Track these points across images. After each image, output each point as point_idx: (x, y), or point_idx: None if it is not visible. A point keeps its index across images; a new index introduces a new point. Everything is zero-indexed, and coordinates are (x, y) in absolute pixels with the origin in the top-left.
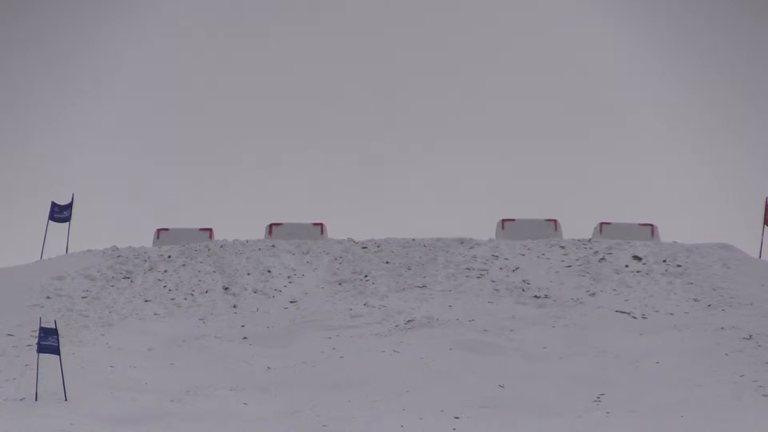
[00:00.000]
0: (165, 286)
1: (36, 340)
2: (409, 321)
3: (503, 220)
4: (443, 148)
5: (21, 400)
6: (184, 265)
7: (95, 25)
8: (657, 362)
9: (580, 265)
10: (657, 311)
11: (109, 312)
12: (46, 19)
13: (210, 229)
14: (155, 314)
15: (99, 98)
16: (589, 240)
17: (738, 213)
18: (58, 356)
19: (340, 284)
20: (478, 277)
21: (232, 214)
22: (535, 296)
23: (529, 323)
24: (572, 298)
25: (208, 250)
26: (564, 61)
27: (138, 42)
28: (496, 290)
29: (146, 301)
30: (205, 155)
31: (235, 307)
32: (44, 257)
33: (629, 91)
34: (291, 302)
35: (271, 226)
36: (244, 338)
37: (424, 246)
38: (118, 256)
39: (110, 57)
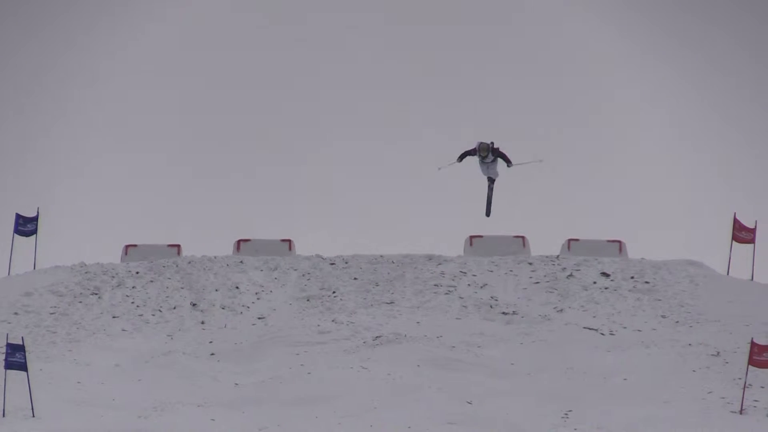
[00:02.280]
0: (133, 302)
1: (3, 357)
2: (377, 337)
3: (471, 237)
4: (411, 165)
5: None
6: (152, 281)
7: (52, 57)
8: (625, 379)
9: (548, 281)
10: (625, 328)
11: (77, 328)
12: None
13: (178, 245)
14: (123, 330)
15: (68, 108)
16: (557, 256)
17: (706, 230)
18: (25, 372)
19: (308, 300)
20: (446, 294)
21: (200, 230)
22: (503, 313)
23: (497, 340)
24: (540, 315)
25: (176, 266)
26: (532, 77)
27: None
28: (464, 306)
29: (114, 317)
30: (173, 170)
31: (203, 323)
32: (12, 272)
33: (597, 107)
34: (259, 318)
35: (239, 242)
36: (212, 354)
37: (392, 262)
38: (86, 272)
39: (80, 64)
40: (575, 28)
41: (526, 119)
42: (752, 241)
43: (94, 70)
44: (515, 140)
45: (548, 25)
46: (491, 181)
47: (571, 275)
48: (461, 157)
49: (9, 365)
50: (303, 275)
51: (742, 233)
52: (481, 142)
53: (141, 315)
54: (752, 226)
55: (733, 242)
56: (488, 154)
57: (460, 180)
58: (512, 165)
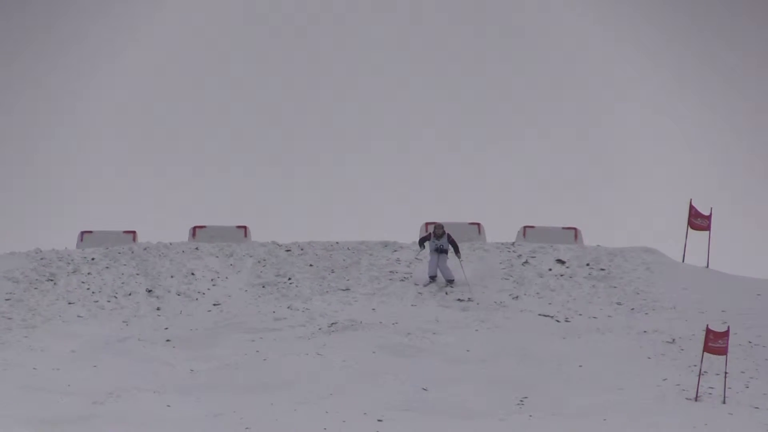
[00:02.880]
0: (88, 289)
1: None
2: (332, 324)
3: (427, 224)
4: (366, 151)
5: None
6: (107, 267)
7: None
8: (580, 366)
9: (503, 268)
10: (580, 315)
11: (33, 314)
12: None
13: (134, 232)
14: (79, 316)
15: (23, 92)
16: (513, 243)
17: (662, 217)
18: None
19: (263, 287)
20: (402, 281)
21: (156, 216)
22: (459, 299)
23: (452, 326)
24: (495, 302)
25: (132, 252)
26: (492, 65)
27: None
28: (420, 293)
29: (70, 303)
30: (128, 157)
31: (158, 309)
32: None
33: (552, 94)
34: (214, 305)
35: (194, 228)
36: (168, 341)
37: (348, 249)
38: (42, 258)
39: (39, 53)
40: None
41: (484, 104)
42: (708, 228)
43: (46, 53)
44: (475, 126)
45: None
46: (449, 282)
47: (526, 262)
48: (421, 243)
49: None
50: (258, 262)
51: (698, 220)
52: (436, 225)
53: (97, 301)
54: (708, 213)
55: (689, 229)
56: (443, 234)
57: (415, 166)
58: (460, 255)
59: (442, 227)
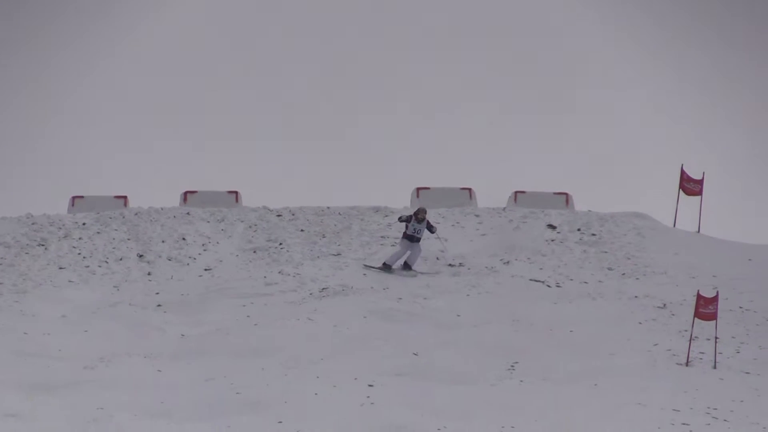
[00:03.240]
0: (80, 254)
1: None
2: (323, 289)
3: (418, 189)
4: (358, 116)
5: None
6: (98, 232)
7: None
8: (571, 331)
9: (494, 233)
10: (571, 280)
11: (24, 279)
12: None
13: (125, 197)
14: (69, 281)
15: (13, 58)
16: (504, 208)
17: (653, 181)
18: None
19: (254, 252)
20: (393, 246)
21: (147, 181)
22: (450, 265)
23: (443, 291)
24: (487, 267)
25: (123, 217)
26: (478, 24)
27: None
28: None
29: (61, 268)
30: (120, 122)
31: (149, 274)
32: None
33: (542, 55)
34: (205, 270)
35: (186, 193)
36: (159, 306)
37: (339, 214)
38: (33, 224)
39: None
40: None
41: (474, 68)
42: (699, 192)
43: (39, 18)
44: (467, 89)
45: None
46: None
47: (517, 227)
48: (405, 220)
49: None
50: (250, 227)
51: (690, 185)
52: (419, 209)
53: (87, 266)
54: (700, 178)
55: (681, 194)
56: (424, 218)
57: (407, 132)
58: (435, 232)
59: (425, 212)
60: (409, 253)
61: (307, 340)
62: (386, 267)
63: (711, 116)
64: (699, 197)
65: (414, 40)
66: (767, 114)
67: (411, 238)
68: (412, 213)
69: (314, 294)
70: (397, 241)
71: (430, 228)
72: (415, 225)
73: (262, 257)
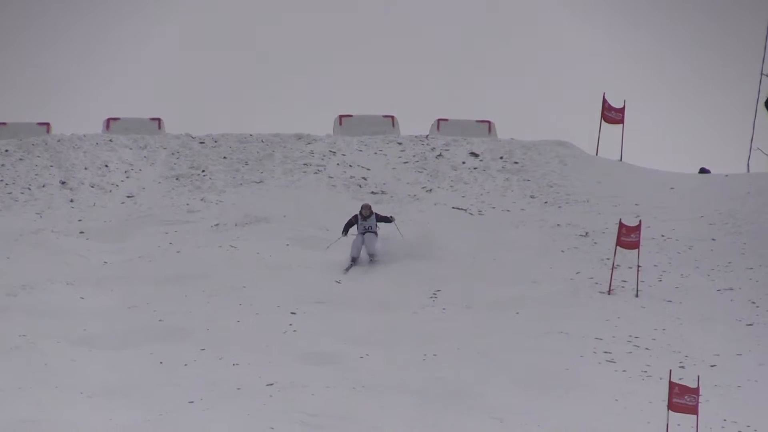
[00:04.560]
0: (2, 180)
1: None
2: (246, 216)
3: (341, 116)
4: (281, 43)
5: None
6: (21, 159)
7: None
8: (494, 259)
9: (417, 161)
10: (494, 208)
11: None
12: None
13: (47, 123)
14: None
15: None
16: (427, 136)
17: (575, 109)
18: None
19: (177, 179)
20: (316, 173)
21: (70, 108)
22: (372, 192)
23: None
24: (409, 195)
25: (46, 144)
26: None
27: None
28: (333, 186)
29: None
30: (43, 47)
31: (72, 201)
32: None
33: None
34: (128, 197)
35: (108, 120)
36: (81, 233)
37: (262, 141)
38: None
39: None
40: None
41: (392, 3)
42: (621, 121)
43: None
44: (391, 18)
45: None
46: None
47: (440, 155)
48: (345, 229)
49: None
50: (172, 154)
51: (612, 113)
52: (363, 206)
53: (10, 193)
54: (621, 106)
55: (602, 122)
56: (370, 214)
57: (330, 58)
58: (393, 220)
59: (369, 207)
60: (363, 241)
61: (230, 267)
62: (354, 261)
63: (633, 43)
64: (621, 125)
65: None
66: (688, 40)
67: (363, 234)
68: (352, 216)
69: (237, 221)
70: (321, 168)
71: (385, 219)
72: (363, 222)
73: (184, 184)
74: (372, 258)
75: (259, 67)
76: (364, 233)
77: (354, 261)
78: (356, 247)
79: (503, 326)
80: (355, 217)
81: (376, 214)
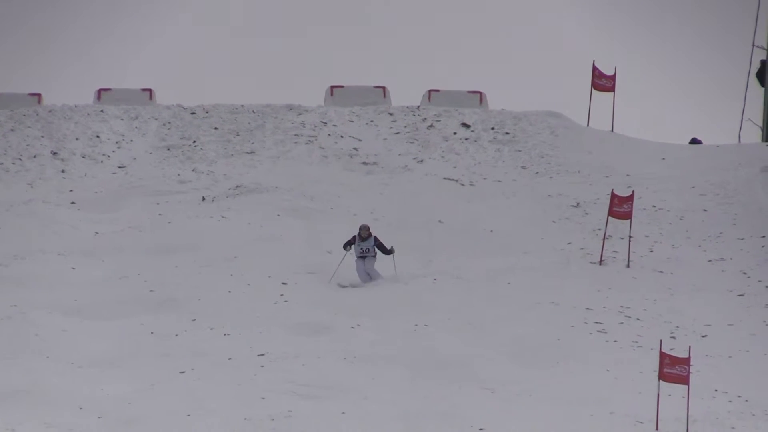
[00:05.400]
0: None
1: None
2: (237, 187)
3: (332, 87)
4: (271, 13)
5: None
6: (12, 129)
7: None
8: (485, 229)
9: (408, 132)
10: (485, 178)
11: None
12: None
13: (39, 94)
14: None
15: None
16: (418, 107)
17: (566, 80)
18: None
19: (168, 150)
20: (307, 144)
21: (62, 78)
22: (364, 163)
23: (357, 190)
24: (400, 165)
25: (37, 114)
26: None
27: None
28: (325, 157)
29: None
30: (31, 18)
31: (63, 172)
32: None
33: None
34: (119, 167)
35: (99, 91)
36: (72, 203)
37: (253, 112)
38: None
39: None
40: None
41: None
42: (612, 89)
43: None
44: None
45: None
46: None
47: (431, 126)
48: (346, 247)
49: None
50: (164, 125)
51: (602, 81)
52: (362, 227)
53: (1, 164)
54: (612, 73)
55: (593, 91)
56: (368, 236)
57: (321, 29)
58: (393, 252)
59: (368, 229)
60: (365, 266)
61: (221, 237)
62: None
63: (625, 13)
64: (611, 93)
65: None
66: (680, 10)
67: (363, 258)
68: (352, 237)
69: (228, 192)
70: (312, 138)
71: (383, 248)
72: (362, 244)
73: (176, 155)
74: (371, 277)
75: (250, 38)
76: (362, 257)
77: (364, 281)
78: (361, 275)
79: (495, 297)
80: (354, 237)
81: (375, 238)
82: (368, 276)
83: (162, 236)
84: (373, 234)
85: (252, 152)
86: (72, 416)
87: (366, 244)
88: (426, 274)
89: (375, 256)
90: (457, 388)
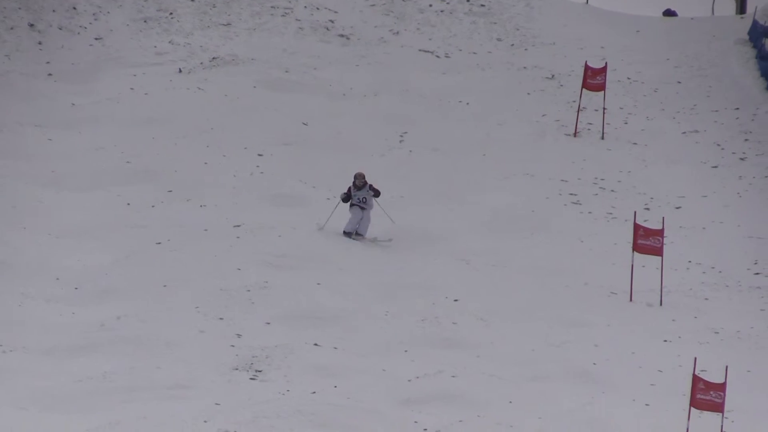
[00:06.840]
0: None
1: None
2: (213, 59)
3: None
4: None
5: None
6: None
7: None
8: (460, 101)
9: (384, 4)
10: (460, 50)
11: None
12: None
13: None
14: None
15: None
16: None
17: None
18: None
19: (145, 21)
20: (283, 16)
21: None
22: (340, 35)
23: (333, 62)
24: (376, 37)
25: None
26: None
27: None
28: (301, 29)
29: None
30: None
31: (40, 44)
32: None
33: None
34: (96, 39)
35: None
36: (49, 75)
37: None
38: None
39: None
40: None
41: None
42: None
43: None
44: None
45: None
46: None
47: None
48: (345, 196)
49: None
50: None
51: None
52: (356, 175)
53: None
54: None
55: None
56: (364, 184)
57: None
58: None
59: (363, 177)
60: (361, 218)
61: (197, 109)
62: (347, 235)
63: None
64: None
65: None
66: None
67: (360, 206)
68: (347, 190)
69: (204, 63)
70: (288, 10)
71: (376, 192)
72: (357, 194)
73: (152, 27)
74: (358, 236)
75: None
76: (360, 206)
77: (348, 235)
78: (352, 224)
79: (470, 168)
80: (350, 189)
81: (371, 186)
82: (354, 229)
83: (139, 108)
84: (369, 182)
85: (228, 24)
86: (48, 286)
87: (362, 193)
88: (402, 146)
89: (372, 208)
90: (432, 259)
